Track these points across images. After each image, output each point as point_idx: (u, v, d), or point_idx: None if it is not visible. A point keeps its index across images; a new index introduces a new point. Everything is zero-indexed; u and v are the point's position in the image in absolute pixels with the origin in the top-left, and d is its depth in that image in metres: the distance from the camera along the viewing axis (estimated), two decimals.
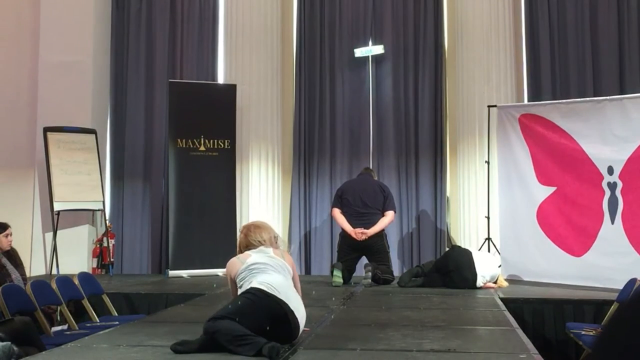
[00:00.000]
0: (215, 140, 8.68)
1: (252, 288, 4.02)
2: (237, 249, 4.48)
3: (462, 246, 8.05)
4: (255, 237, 4.39)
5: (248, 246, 4.36)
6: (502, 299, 6.15)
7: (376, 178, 8.18)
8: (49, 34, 9.10)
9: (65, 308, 5.84)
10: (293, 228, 9.23)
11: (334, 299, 6.19)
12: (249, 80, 9.07)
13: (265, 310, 3.93)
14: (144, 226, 9.40)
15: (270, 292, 3.98)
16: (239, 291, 4.14)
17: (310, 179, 9.36)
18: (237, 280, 4.20)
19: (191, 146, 8.59)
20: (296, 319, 4.03)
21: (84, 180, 8.61)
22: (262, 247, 4.31)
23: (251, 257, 4.23)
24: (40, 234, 8.87)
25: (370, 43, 9.35)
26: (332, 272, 7.38)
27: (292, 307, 4.01)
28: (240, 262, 4.25)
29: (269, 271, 4.13)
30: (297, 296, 4.16)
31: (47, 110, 8.93)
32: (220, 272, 8.15)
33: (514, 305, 6.09)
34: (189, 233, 8.41)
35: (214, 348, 3.84)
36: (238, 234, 4.70)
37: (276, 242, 4.49)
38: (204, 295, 6.53)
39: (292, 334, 4.03)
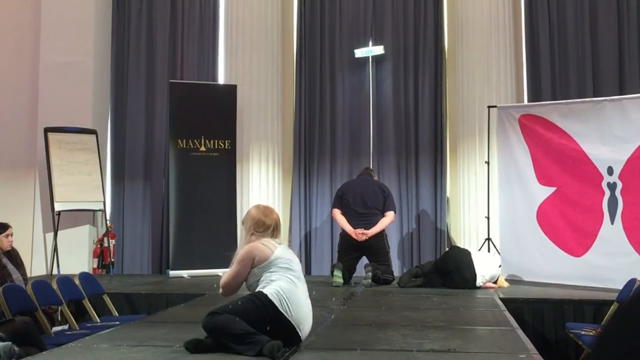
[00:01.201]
0: (216, 141, 8.69)
1: (262, 295, 3.89)
2: (248, 228, 4.11)
3: (462, 246, 8.06)
4: (272, 220, 4.13)
5: (264, 229, 4.08)
6: (501, 299, 6.16)
7: (376, 178, 8.19)
8: (49, 35, 9.12)
9: (66, 308, 5.86)
10: (293, 228, 9.24)
11: (334, 299, 6.20)
12: (249, 80, 9.08)
13: (268, 320, 3.87)
14: (144, 226, 9.41)
15: (280, 309, 3.86)
16: (256, 285, 3.98)
17: (311, 179, 9.37)
18: (258, 269, 3.97)
19: (191, 146, 8.60)
20: (299, 335, 3.99)
21: (85, 180, 8.62)
22: (280, 241, 4.13)
23: (277, 249, 4.02)
24: (40, 234, 8.88)
25: (370, 43, 9.36)
26: (332, 272, 7.39)
27: (297, 327, 3.94)
28: (269, 250, 3.99)
29: (290, 273, 3.98)
30: (308, 305, 4.05)
31: (47, 110, 8.94)
32: (220, 272, 8.15)
33: (514, 305, 6.10)
34: (190, 233, 8.42)
35: (225, 349, 3.82)
36: (240, 224, 4.36)
37: None
38: (205, 295, 6.54)
39: (292, 341, 4.00)
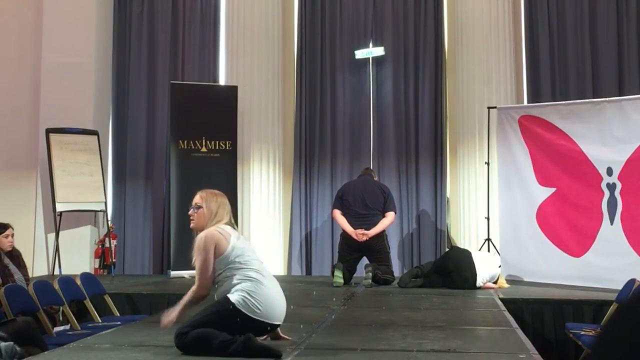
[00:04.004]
0: (217, 142, 8.71)
1: (227, 302, 3.79)
2: (212, 217, 4.00)
3: (462, 247, 8.08)
4: (225, 208, 4.03)
5: (219, 217, 4.00)
6: (501, 299, 6.18)
7: (376, 179, 8.21)
8: (51, 36, 9.13)
9: (68, 308, 5.87)
10: (294, 229, 9.25)
11: (334, 299, 6.22)
12: (250, 81, 9.10)
13: (238, 322, 3.80)
14: (145, 227, 9.43)
15: (249, 314, 3.78)
16: (217, 282, 3.91)
17: (311, 180, 9.38)
18: (220, 263, 3.89)
19: (192, 147, 8.62)
20: (275, 325, 3.95)
21: (86, 181, 8.64)
22: (235, 230, 4.04)
23: (232, 237, 3.93)
24: (42, 234, 8.90)
25: (370, 45, 9.38)
26: (333, 272, 7.41)
27: (270, 321, 3.88)
28: (225, 241, 3.90)
29: (251, 270, 3.88)
30: (277, 292, 3.96)
31: (49, 111, 8.95)
32: None
33: (514, 305, 6.12)
34: (190, 233, 8.34)
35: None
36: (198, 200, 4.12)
37: None
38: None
39: (269, 329, 3.96)
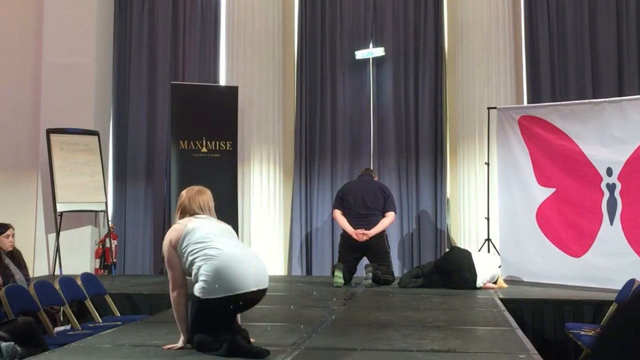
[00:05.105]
0: (217, 142, 8.72)
1: (195, 299, 3.73)
2: (177, 214, 4.07)
3: (462, 247, 8.09)
4: (197, 203, 4.01)
5: (188, 213, 4.00)
6: (501, 300, 6.19)
7: (376, 178, 8.21)
8: (52, 36, 9.14)
9: (68, 308, 5.87)
10: (294, 229, 9.26)
11: (334, 299, 6.22)
12: (250, 82, 9.11)
13: (223, 310, 3.76)
14: (146, 227, 9.44)
15: (218, 295, 3.67)
16: (189, 271, 3.84)
17: (311, 180, 9.39)
18: (179, 249, 3.86)
19: (193, 148, 8.63)
20: (260, 290, 3.83)
21: (87, 181, 8.65)
22: (205, 216, 4.01)
23: (192, 222, 3.91)
24: (43, 235, 8.91)
25: (370, 45, 9.39)
26: (333, 272, 7.42)
27: (248, 289, 3.73)
28: (182, 226, 3.90)
29: (207, 247, 3.77)
30: (245, 260, 3.82)
31: (50, 112, 8.97)
32: None
33: (514, 305, 6.13)
34: None
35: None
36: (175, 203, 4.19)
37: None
38: None
39: (259, 295, 3.90)
